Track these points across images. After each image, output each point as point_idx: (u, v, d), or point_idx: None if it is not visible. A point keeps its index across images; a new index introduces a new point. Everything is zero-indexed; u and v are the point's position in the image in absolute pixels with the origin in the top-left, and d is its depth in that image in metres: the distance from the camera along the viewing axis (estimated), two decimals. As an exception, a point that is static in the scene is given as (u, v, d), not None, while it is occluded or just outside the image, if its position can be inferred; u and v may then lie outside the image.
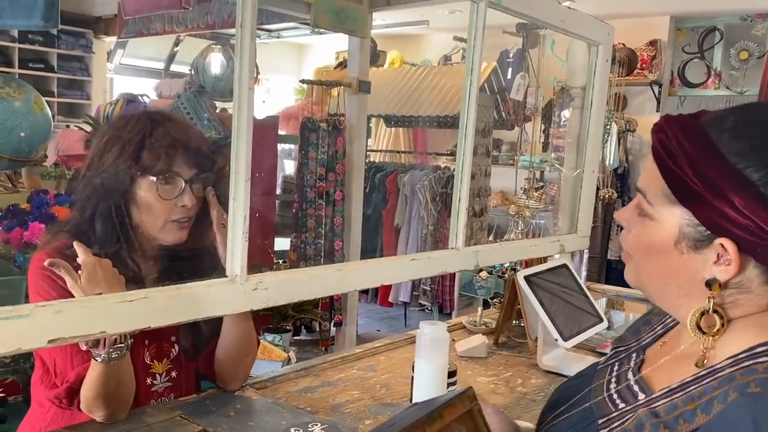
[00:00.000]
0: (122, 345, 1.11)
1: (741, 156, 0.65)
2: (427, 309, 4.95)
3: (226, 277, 0.92)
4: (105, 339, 1.07)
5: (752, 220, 0.64)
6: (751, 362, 0.64)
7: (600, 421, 0.73)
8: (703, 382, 0.66)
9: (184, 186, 1.23)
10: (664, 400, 0.68)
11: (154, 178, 1.21)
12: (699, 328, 0.69)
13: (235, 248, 0.91)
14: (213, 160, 1.29)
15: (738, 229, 0.64)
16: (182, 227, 1.26)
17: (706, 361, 0.69)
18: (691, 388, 0.67)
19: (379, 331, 5.04)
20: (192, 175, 1.25)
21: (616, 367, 0.84)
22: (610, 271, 5.15)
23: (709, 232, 0.67)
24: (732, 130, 0.68)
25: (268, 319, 3.41)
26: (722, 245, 0.66)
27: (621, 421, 0.70)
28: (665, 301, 0.75)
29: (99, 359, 1.09)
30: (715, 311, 0.68)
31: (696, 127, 0.69)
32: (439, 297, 4.76)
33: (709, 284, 0.68)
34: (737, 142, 0.66)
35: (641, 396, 0.73)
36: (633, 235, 0.76)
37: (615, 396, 0.76)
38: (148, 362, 1.30)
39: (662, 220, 0.71)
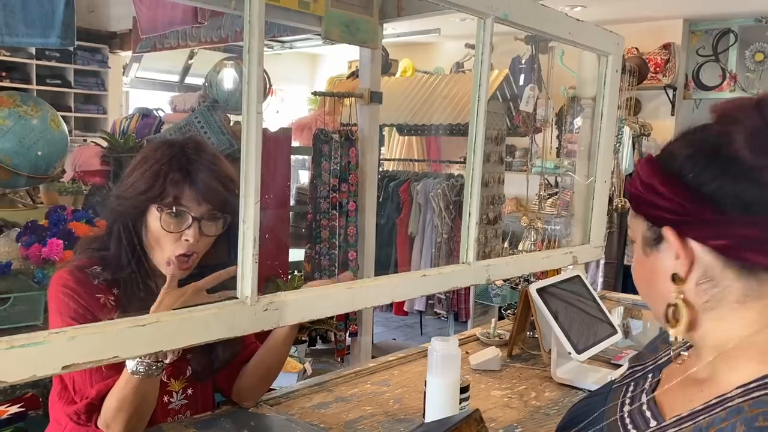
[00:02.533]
0: (153, 364, 1.12)
1: (668, 157, 0.73)
2: (442, 317, 4.94)
3: (237, 298, 0.93)
4: None
5: (677, 202, 0.70)
6: (760, 393, 0.64)
7: None
8: (712, 412, 0.66)
9: (191, 222, 1.22)
10: (674, 429, 0.67)
11: (161, 209, 1.22)
12: (669, 321, 0.73)
13: (245, 270, 0.92)
14: (232, 202, 1.24)
15: (669, 213, 0.70)
16: (183, 266, 1.24)
17: (688, 342, 0.74)
18: (699, 418, 0.66)
19: (395, 339, 5.04)
20: (203, 212, 1.23)
21: (631, 388, 0.84)
22: (627, 277, 5.10)
23: (657, 228, 0.73)
24: (666, 145, 0.76)
25: (284, 331, 3.42)
26: (663, 235, 0.72)
27: None
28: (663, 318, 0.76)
29: (128, 368, 1.12)
30: (679, 305, 0.72)
31: (647, 158, 0.77)
32: (454, 305, 4.74)
33: (674, 279, 0.72)
34: (666, 149, 0.75)
35: (653, 423, 0.72)
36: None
37: (627, 420, 0.76)
38: (165, 380, 1.31)
39: (635, 236, 0.78)
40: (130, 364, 1.11)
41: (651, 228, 0.74)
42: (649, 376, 0.83)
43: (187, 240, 1.22)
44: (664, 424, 0.70)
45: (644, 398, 0.78)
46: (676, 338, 0.73)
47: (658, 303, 0.75)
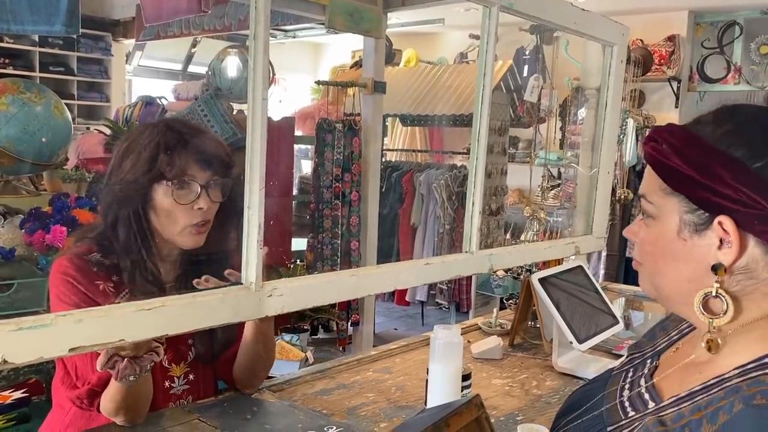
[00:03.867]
0: (140, 372, 1.11)
1: (723, 139, 0.69)
2: (444, 308, 4.95)
3: (242, 284, 0.93)
4: (121, 363, 1.08)
5: (744, 192, 0.65)
6: (758, 373, 0.64)
7: (609, 429, 0.74)
8: (711, 392, 0.66)
9: (200, 191, 1.25)
10: (672, 409, 0.68)
11: (170, 184, 1.23)
12: (705, 311, 0.70)
13: (249, 256, 0.93)
14: (230, 164, 1.30)
15: (731, 203, 0.66)
16: (199, 232, 1.28)
17: (716, 347, 0.69)
18: (698, 398, 0.67)
19: (396, 329, 5.06)
20: (207, 179, 1.26)
21: (630, 374, 0.84)
22: (629, 269, 5.11)
23: (707, 214, 0.69)
24: (712, 122, 0.71)
25: (286, 319, 3.44)
26: (720, 224, 0.68)
27: (629, 428, 0.71)
28: (680, 300, 0.74)
29: (117, 381, 1.12)
30: (717, 296, 0.69)
31: (682, 128, 0.73)
32: (456, 296, 4.75)
33: (715, 269, 0.68)
34: (718, 129, 0.70)
35: (651, 404, 0.73)
36: (640, 240, 0.77)
37: (626, 403, 0.77)
38: (166, 365, 1.32)
39: (663, 214, 0.73)
40: (123, 380, 1.10)
41: (696, 212, 0.69)
42: (648, 361, 0.84)
43: (200, 208, 1.25)
44: (662, 404, 0.71)
45: (643, 383, 0.78)
46: (715, 328, 0.69)
47: (686, 294, 0.72)
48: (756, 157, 0.66)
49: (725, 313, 0.69)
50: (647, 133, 0.75)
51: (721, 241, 0.68)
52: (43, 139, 2.59)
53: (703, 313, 0.70)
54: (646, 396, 0.75)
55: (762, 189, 0.65)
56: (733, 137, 0.68)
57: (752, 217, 0.66)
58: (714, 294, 0.69)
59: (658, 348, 0.86)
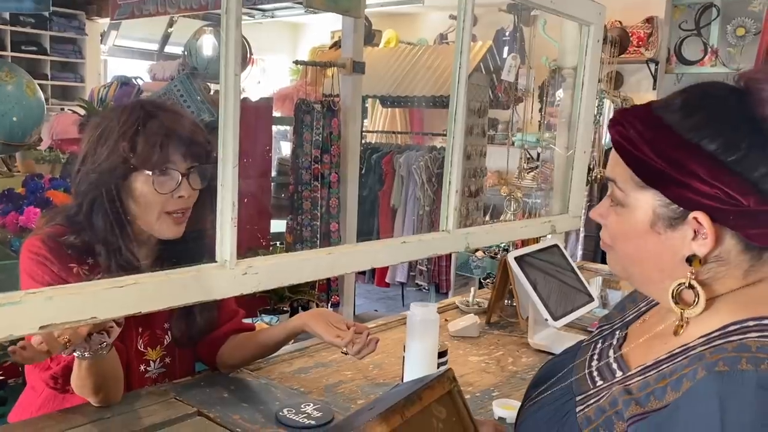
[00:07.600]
0: (98, 348, 1.08)
1: (695, 130, 0.67)
2: (423, 289, 4.97)
3: (216, 262, 0.93)
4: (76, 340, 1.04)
5: (719, 188, 0.65)
6: (722, 341, 0.65)
7: (578, 398, 0.75)
8: (676, 360, 0.68)
9: (181, 179, 1.22)
10: (639, 378, 0.69)
11: (150, 172, 1.21)
12: (678, 302, 0.70)
13: (223, 233, 0.92)
14: (209, 150, 1.27)
15: (707, 199, 0.66)
16: (178, 222, 1.25)
17: (682, 331, 0.70)
18: (663, 366, 0.68)
19: (376, 311, 5.08)
20: (188, 166, 1.24)
21: (599, 344, 0.86)
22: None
23: (681, 209, 0.68)
24: (682, 109, 0.70)
25: (265, 301, 3.43)
26: (696, 219, 0.67)
27: (597, 398, 0.72)
28: (651, 286, 0.76)
29: (76, 355, 1.10)
30: (690, 286, 0.69)
31: (649, 113, 0.71)
32: (435, 277, 4.78)
33: (689, 260, 0.69)
34: (689, 119, 0.68)
35: (619, 374, 0.74)
36: (610, 226, 0.77)
37: (595, 373, 0.78)
38: (141, 349, 1.31)
39: (635, 205, 0.72)
40: (77, 352, 1.09)
41: (671, 206, 0.69)
42: (617, 333, 0.85)
43: (181, 196, 1.23)
44: (629, 373, 0.72)
45: (611, 353, 0.80)
46: (686, 319, 0.69)
47: (657, 282, 0.72)
48: (729, 150, 0.65)
49: (696, 305, 0.69)
50: (611, 115, 0.74)
51: (695, 232, 0.68)
52: (14, 119, 2.54)
53: (676, 303, 0.70)
54: (614, 366, 0.77)
55: (737, 185, 0.64)
56: (705, 129, 0.67)
57: (728, 213, 0.65)
58: (687, 285, 0.69)
59: (627, 319, 0.87)
